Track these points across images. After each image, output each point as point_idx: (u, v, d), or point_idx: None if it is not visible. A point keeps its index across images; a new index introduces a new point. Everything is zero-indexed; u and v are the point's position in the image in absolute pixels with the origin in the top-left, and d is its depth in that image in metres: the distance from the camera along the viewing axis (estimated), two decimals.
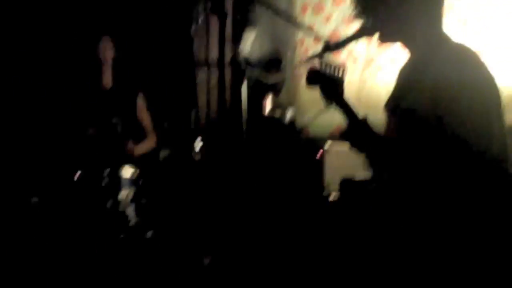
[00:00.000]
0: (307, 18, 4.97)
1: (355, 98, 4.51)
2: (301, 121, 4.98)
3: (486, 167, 1.96)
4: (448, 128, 1.94)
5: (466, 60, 2.02)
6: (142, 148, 4.13)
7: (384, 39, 2.22)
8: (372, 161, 2.28)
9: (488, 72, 2.03)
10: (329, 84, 2.26)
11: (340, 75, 2.27)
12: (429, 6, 2.13)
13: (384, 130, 2.28)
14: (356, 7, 2.22)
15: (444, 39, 2.13)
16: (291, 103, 5.11)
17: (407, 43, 2.20)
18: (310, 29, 4.76)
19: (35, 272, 3.36)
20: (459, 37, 2.16)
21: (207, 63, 4.82)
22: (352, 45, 4.55)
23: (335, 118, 4.59)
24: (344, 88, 2.27)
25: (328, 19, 4.84)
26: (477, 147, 1.94)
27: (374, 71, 4.54)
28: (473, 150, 1.94)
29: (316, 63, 2.26)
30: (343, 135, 2.30)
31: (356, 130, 2.24)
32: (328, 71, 2.26)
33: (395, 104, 2.21)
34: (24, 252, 3.44)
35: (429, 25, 2.13)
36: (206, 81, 4.96)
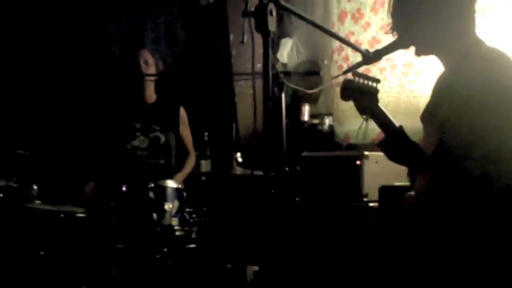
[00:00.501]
0: (347, 26, 4.97)
1: (395, 105, 4.50)
2: (341, 129, 4.99)
3: None
4: (480, 134, 1.95)
5: (496, 65, 2.03)
6: (184, 173, 4.21)
7: (419, 52, 2.25)
8: (411, 171, 2.29)
9: None
10: (363, 96, 2.28)
11: (374, 86, 2.29)
12: (460, 17, 2.14)
13: (422, 140, 2.29)
14: (392, 21, 2.25)
15: (476, 45, 2.14)
16: (329, 111, 5.13)
17: (441, 55, 2.22)
18: (348, 36, 4.76)
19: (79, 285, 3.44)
20: (495, 40, 2.17)
21: (245, 75, 4.86)
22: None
23: (376, 126, 4.61)
24: (378, 99, 2.29)
25: (367, 26, 4.83)
26: (507, 155, 1.95)
27: (413, 77, 4.51)
28: (504, 157, 1.94)
29: (349, 75, 2.28)
30: (380, 145, 2.32)
31: (393, 141, 2.26)
32: (361, 82, 2.28)
33: (430, 114, 2.22)
34: (69, 265, 3.51)
35: (461, 35, 2.15)
36: (244, 93, 5.03)
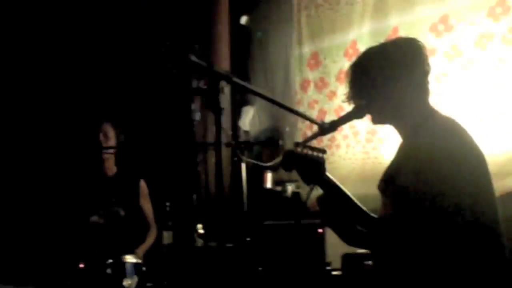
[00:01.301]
0: (310, 94, 5.01)
1: (360, 171, 4.51)
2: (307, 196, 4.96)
3: (479, 236, 1.97)
4: (435, 199, 1.95)
5: (449, 132, 2.06)
6: (146, 247, 4.15)
7: (376, 121, 2.27)
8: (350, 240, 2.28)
9: (473, 142, 2.07)
10: (308, 166, 2.27)
11: (320, 155, 2.28)
12: (414, 88, 2.18)
13: (379, 209, 2.29)
14: (350, 89, 2.28)
15: (430, 115, 2.18)
16: (291, 178, 5.13)
17: (396, 125, 2.24)
18: (312, 105, 4.80)
19: None
20: (445, 108, 2.20)
21: (205, 146, 4.87)
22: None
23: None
24: (325, 168, 2.28)
25: (332, 95, 4.87)
26: (468, 216, 1.96)
27: (377, 143, 4.53)
28: (465, 219, 1.95)
29: (292, 147, 2.28)
30: (319, 201, 2.29)
31: (340, 210, 2.25)
32: (305, 153, 2.27)
33: (385, 183, 2.23)
34: None
35: (416, 106, 2.19)
36: (204, 162, 5.02)
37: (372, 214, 2.25)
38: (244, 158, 2.69)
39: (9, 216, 4.80)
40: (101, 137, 4.17)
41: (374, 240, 2.18)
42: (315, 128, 4.68)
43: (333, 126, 2.32)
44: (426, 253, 1.99)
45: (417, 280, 2.02)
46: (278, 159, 2.84)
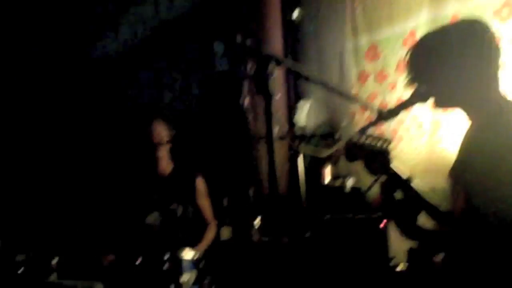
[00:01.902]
0: (369, 87, 4.90)
1: (425, 164, 4.36)
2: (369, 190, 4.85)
3: None
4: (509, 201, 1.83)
5: None
6: (205, 244, 4.08)
7: (439, 105, 2.15)
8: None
9: None
10: (372, 157, 2.16)
11: (384, 146, 2.17)
12: (483, 69, 2.05)
13: (450, 199, 2.17)
14: (409, 73, 2.17)
15: (504, 103, 2.04)
16: (350, 172, 5.01)
17: (464, 109, 2.11)
18: (372, 97, 4.67)
19: None
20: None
21: (261, 139, 4.81)
22: (416, 110, 4.48)
23: None
24: (390, 159, 2.17)
25: (393, 86, 4.75)
26: None
27: (443, 135, 4.37)
28: None
29: (354, 137, 2.18)
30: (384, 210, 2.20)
31: (408, 205, 2.13)
32: (368, 143, 2.16)
33: (457, 174, 2.10)
34: None
35: (486, 89, 2.05)
36: (262, 157, 4.95)
37: (441, 209, 2.13)
38: (301, 146, 2.59)
39: (70, 213, 4.86)
40: (154, 134, 4.12)
41: (446, 236, 2.06)
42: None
43: (393, 112, 2.22)
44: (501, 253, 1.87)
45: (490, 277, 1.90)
46: (335, 148, 2.76)
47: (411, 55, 2.18)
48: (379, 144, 2.17)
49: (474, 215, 1.93)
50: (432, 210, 2.12)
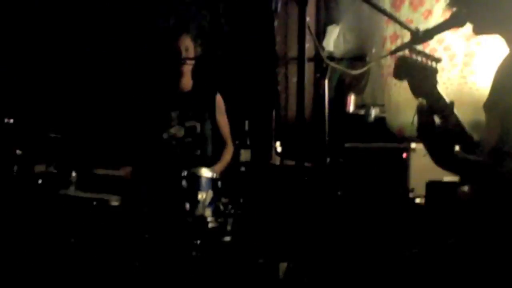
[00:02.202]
0: (404, 13, 4.69)
1: (455, 97, 4.21)
2: (394, 122, 4.76)
3: None
4: None
5: None
6: (223, 164, 4.04)
7: (478, 30, 2.04)
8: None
9: None
10: (420, 75, 2.04)
11: (434, 65, 2.05)
12: None
13: (484, 131, 2.07)
14: None
15: None
16: (375, 102, 4.90)
17: (504, 36, 1.99)
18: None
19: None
20: None
21: (288, 60, 4.70)
22: (449, 40, 4.28)
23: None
24: (437, 80, 2.05)
25: (428, 14, 4.55)
26: None
27: (475, 67, 4.21)
28: None
29: (405, 52, 2.05)
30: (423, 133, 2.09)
31: (447, 131, 2.03)
32: (419, 60, 2.04)
33: (493, 103, 2.00)
34: (95, 254, 3.43)
35: None
36: (286, 78, 4.85)
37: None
38: (331, 64, 2.47)
39: (91, 126, 4.85)
40: (182, 50, 4.03)
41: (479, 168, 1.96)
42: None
43: (428, 34, 2.11)
44: None
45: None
46: (365, 68, 2.65)
47: None
48: (428, 62, 2.04)
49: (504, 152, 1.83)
50: (467, 139, 2.02)
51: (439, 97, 2.02)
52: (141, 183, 3.59)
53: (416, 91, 2.06)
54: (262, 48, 5.16)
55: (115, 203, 3.66)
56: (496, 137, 1.91)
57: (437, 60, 2.05)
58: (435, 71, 2.04)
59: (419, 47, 2.09)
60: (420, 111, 2.04)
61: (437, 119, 2.01)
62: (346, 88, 4.96)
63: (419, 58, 2.02)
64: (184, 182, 3.40)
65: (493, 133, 1.94)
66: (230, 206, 3.57)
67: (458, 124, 2.01)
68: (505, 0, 1.94)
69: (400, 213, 3.51)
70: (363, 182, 3.76)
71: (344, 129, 4.52)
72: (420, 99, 2.05)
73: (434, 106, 2.02)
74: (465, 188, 2.12)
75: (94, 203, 3.66)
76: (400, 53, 2.11)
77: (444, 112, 2.01)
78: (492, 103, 2.02)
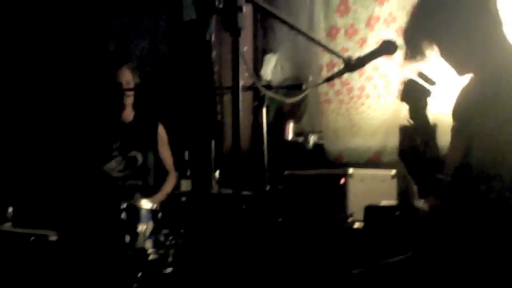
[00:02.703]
0: (339, 41, 4.82)
1: (392, 124, 4.34)
2: (333, 148, 4.84)
3: None
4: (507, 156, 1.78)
5: None
6: (163, 194, 4.04)
7: (460, 72, 2.07)
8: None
9: None
10: (422, 97, 2.08)
11: (429, 89, 2.09)
12: (488, 21, 1.98)
13: (448, 151, 2.11)
14: (409, 30, 2.08)
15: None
16: (313, 129, 4.98)
17: (467, 64, 2.04)
18: (341, 53, 4.60)
19: None
20: None
21: (225, 90, 4.73)
22: (384, 68, 4.40)
23: (373, 144, 4.45)
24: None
25: (362, 42, 4.68)
26: None
27: None
28: None
29: (409, 74, 2.09)
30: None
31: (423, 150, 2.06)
32: (422, 85, 2.08)
33: (462, 123, 2.04)
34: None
35: (493, 42, 1.99)
36: (225, 108, 4.87)
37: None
38: (267, 93, 2.50)
39: (24, 160, 4.74)
40: (123, 82, 4.03)
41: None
42: (343, 77, 4.55)
43: (360, 62, 2.16)
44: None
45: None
46: (301, 96, 2.70)
47: (416, 10, 2.08)
48: (426, 86, 2.07)
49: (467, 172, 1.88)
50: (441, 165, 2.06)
51: (427, 120, 2.07)
52: (80, 217, 3.53)
53: (414, 113, 2.09)
54: (201, 78, 5.18)
55: (53, 238, 3.59)
56: (459, 159, 1.95)
57: (433, 83, 2.09)
58: (429, 93, 2.08)
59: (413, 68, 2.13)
60: (404, 133, 2.07)
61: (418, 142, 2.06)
62: (285, 116, 5.01)
63: (421, 82, 2.07)
64: (123, 214, 3.36)
65: (457, 155, 1.98)
66: (171, 237, 3.54)
67: (436, 148, 2.06)
68: (469, 31, 1.99)
69: (340, 238, 3.55)
70: (303, 208, 3.80)
71: (283, 156, 4.57)
72: (409, 121, 2.10)
73: (420, 129, 2.06)
74: (425, 205, 2.17)
75: (32, 238, 3.57)
76: (406, 76, 2.15)
77: (427, 135, 2.05)
78: (459, 125, 2.06)
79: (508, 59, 1.97)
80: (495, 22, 2.00)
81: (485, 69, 1.98)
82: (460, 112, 2.09)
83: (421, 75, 2.07)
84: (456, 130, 2.07)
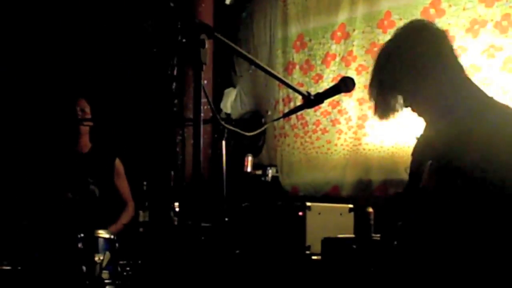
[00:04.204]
0: (295, 76, 4.92)
1: (352, 159, 4.43)
2: (288, 181, 4.90)
3: None
4: (498, 189, 1.87)
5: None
6: (119, 225, 4.02)
7: (419, 114, 2.15)
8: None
9: None
10: None
11: None
12: (444, 65, 2.07)
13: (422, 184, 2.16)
14: (376, 90, 2.15)
15: (487, 102, 2.07)
16: (272, 163, 5.04)
17: (438, 114, 2.12)
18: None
19: None
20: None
21: (186, 122, 4.76)
22: (344, 104, 4.50)
23: (332, 178, 4.52)
24: None
25: (318, 78, 4.78)
26: None
27: (368, 130, 4.42)
28: None
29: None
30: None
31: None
32: None
33: (438, 159, 2.10)
34: None
35: (451, 84, 2.06)
36: (184, 139, 4.90)
37: None
38: (226, 126, 2.54)
39: None
40: (78, 111, 4.03)
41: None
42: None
43: (319, 98, 2.22)
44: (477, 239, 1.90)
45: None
46: (261, 130, 2.75)
47: (380, 60, 2.15)
48: None
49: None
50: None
51: None
52: (34, 247, 3.48)
53: None
54: (162, 109, 5.20)
55: (5, 267, 3.52)
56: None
57: None
58: None
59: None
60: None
61: None
62: (244, 149, 5.06)
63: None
64: (80, 244, 3.33)
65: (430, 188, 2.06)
66: (128, 268, 3.52)
67: None
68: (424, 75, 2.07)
69: (298, 270, 3.58)
70: (261, 240, 3.82)
71: (242, 188, 4.60)
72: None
73: None
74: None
75: None
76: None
77: None
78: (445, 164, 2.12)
79: (476, 99, 2.06)
80: (454, 68, 2.08)
81: (457, 112, 2.05)
82: (439, 153, 2.14)
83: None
84: (436, 168, 2.12)
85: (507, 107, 2.05)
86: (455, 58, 2.09)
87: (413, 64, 2.05)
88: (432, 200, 2.01)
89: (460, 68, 2.10)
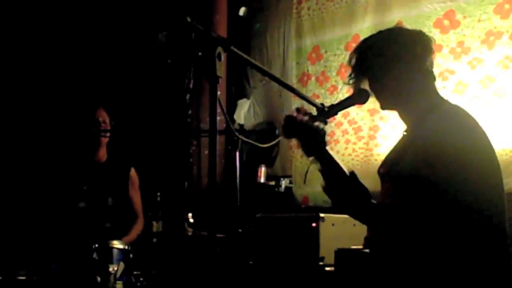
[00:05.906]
0: (310, 88, 4.92)
1: (362, 170, 4.39)
2: (299, 191, 4.89)
3: (483, 231, 1.89)
4: (444, 192, 1.89)
5: (459, 123, 1.98)
6: (130, 238, 4.02)
7: (382, 106, 2.19)
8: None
9: (483, 135, 1.98)
10: (307, 135, 2.14)
11: (321, 126, 2.15)
12: (422, 73, 2.11)
13: (379, 196, 2.19)
14: (351, 76, 2.19)
15: (438, 103, 2.11)
16: (285, 173, 5.04)
17: (402, 109, 2.15)
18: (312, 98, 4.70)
19: None
20: (456, 100, 2.12)
21: (200, 133, 4.78)
22: (354, 114, 4.49)
23: None
24: (325, 142, 2.16)
25: (333, 89, 4.78)
26: (474, 208, 1.89)
27: (380, 140, 4.41)
28: (470, 212, 1.88)
29: (293, 111, 2.16)
30: (325, 189, 2.20)
31: (341, 185, 2.14)
32: (305, 120, 2.13)
33: (387, 169, 2.14)
34: None
35: (423, 91, 2.12)
36: (198, 150, 4.91)
37: (373, 200, 2.14)
38: (240, 137, 2.56)
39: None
40: (101, 122, 4.09)
41: (374, 225, 2.10)
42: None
43: (333, 110, 2.23)
44: (426, 242, 1.93)
45: (415, 270, 1.95)
46: (275, 141, 2.75)
47: (358, 55, 2.19)
48: (315, 124, 2.13)
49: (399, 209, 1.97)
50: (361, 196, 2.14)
51: (330, 159, 2.13)
52: (50, 257, 3.50)
53: (305, 150, 2.16)
54: (175, 121, 5.23)
55: (22, 277, 3.55)
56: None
57: (325, 122, 2.14)
58: (322, 132, 2.13)
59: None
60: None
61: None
62: (257, 160, 5.07)
63: (305, 118, 2.12)
64: (95, 255, 3.35)
65: (387, 199, 2.09)
66: (142, 279, 3.53)
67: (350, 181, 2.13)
68: (403, 81, 2.09)
69: (311, 281, 3.57)
70: (274, 251, 3.81)
71: (256, 199, 4.60)
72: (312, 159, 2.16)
73: (326, 168, 2.10)
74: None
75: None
76: (288, 112, 2.22)
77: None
78: (384, 170, 2.16)
79: (435, 107, 2.08)
80: (429, 77, 2.13)
81: (414, 114, 2.11)
82: (390, 156, 2.16)
83: (305, 113, 2.14)
84: (384, 173, 2.14)
85: (457, 107, 2.08)
86: (431, 69, 2.13)
87: (392, 60, 2.10)
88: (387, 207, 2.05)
89: (434, 79, 2.15)
